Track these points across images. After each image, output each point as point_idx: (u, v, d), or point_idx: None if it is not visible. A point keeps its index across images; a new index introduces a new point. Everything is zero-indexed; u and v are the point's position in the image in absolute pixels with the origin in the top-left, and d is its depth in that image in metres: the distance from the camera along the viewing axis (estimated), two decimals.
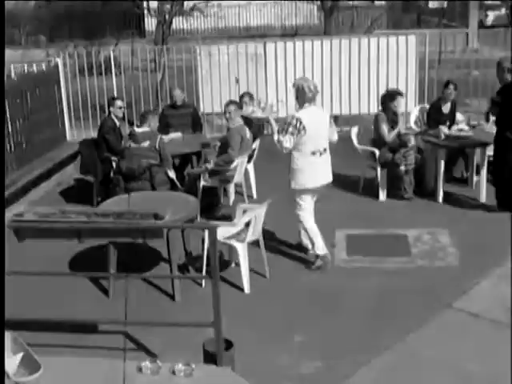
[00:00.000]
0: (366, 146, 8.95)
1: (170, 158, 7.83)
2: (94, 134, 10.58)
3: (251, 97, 9.70)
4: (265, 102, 7.75)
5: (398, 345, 5.13)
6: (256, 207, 6.42)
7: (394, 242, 7.19)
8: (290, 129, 6.39)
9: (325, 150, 6.65)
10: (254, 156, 9.04)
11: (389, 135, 8.54)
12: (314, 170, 6.58)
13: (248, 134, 8.41)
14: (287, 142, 6.41)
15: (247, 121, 8.72)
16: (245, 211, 6.45)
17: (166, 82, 12.36)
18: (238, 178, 8.32)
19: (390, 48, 11.51)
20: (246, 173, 8.75)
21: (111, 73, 11.99)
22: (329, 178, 6.76)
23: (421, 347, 5.10)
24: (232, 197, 8.50)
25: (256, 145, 8.96)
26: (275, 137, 6.50)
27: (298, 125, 6.38)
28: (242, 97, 9.63)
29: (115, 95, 10.88)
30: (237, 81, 11.61)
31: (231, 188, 8.48)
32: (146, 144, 7.54)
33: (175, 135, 9.33)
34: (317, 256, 6.69)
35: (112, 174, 7.94)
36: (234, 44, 11.99)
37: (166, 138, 8.65)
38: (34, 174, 9.61)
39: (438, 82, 10.93)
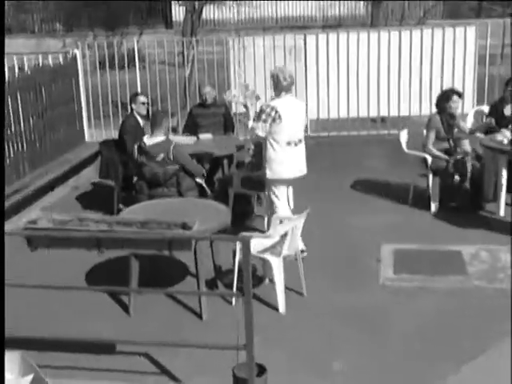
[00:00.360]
0: (416, 151, 8.92)
1: (193, 161, 7.73)
2: (115, 133, 10.68)
3: None
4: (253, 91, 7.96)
5: (451, 377, 5.06)
6: (293, 217, 6.41)
7: (447, 260, 7.13)
8: (263, 116, 6.92)
9: (300, 140, 7.15)
10: None
11: (430, 147, 8.58)
12: (290, 161, 7.06)
13: None
14: (259, 129, 6.93)
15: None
16: (281, 222, 6.46)
17: (195, 77, 12.43)
18: None
19: (445, 41, 11.40)
20: None
21: (135, 66, 12.08)
22: (303, 171, 7.24)
23: (477, 380, 5.02)
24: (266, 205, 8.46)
25: None
26: (249, 123, 7.05)
27: (272, 113, 6.90)
28: None
29: (138, 91, 10.95)
30: None
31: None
32: (161, 158, 7.42)
33: (204, 137, 9.36)
34: None
35: (135, 179, 7.93)
36: (271, 36, 12.00)
37: (179, 138, 8.67)
38: (48, 176, 9.73)
39: (499, 80, 10.81)
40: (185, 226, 4.59)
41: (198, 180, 7.90)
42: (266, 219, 7.75)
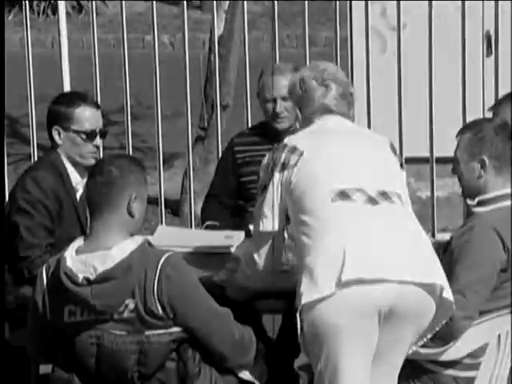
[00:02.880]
0: None
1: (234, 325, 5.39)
2: None
3: None
4: None
5: None
6: None
7: None
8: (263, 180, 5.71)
9: (384, 194, 5.47)
10: None
11: None
12: (355, 236, 5.26)
13: None
14: (262, 214, 5.46)
15: None
16: None
17: (237, 44, 10.81)
18: None
19: None
20: None
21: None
22: (417, 274, 5.00)
23: None
24: None
25: None
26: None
27: (292, 158, 5.53)
28: None
29: (68, 87, 8.55)
30: None
31: None
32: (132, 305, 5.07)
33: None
34: None
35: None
36: None
37: (185, 237, 7.00)
38: None
39: None
40: None
41: (243, 375, 5.60)
42: None
